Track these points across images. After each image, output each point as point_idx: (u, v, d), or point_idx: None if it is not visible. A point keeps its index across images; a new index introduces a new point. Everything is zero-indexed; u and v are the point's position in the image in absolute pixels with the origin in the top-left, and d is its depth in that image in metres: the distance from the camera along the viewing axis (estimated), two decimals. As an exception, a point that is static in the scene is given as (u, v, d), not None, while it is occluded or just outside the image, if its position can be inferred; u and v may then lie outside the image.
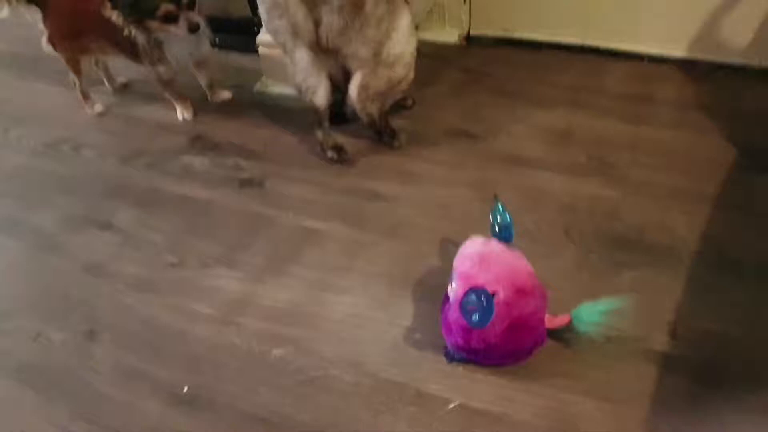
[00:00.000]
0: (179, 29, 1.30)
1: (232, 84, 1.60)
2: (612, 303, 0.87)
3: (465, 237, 0.94)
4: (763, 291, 0.96)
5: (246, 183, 1.32)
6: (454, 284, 0.88)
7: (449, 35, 1.66)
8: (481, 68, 1.55)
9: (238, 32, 1.62)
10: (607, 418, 0.84)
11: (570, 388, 0.88)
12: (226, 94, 1.58)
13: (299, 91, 1.25)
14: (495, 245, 0.90)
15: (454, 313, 0.87)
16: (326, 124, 1.29)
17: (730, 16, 1.36)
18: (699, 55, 1.44)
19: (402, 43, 1.19)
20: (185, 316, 1.06)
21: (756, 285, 0.97)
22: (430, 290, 1.03)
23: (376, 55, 1.17)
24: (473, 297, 0.82)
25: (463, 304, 0.83)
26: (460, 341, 0.88)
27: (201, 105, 1.55)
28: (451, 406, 0.88)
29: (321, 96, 1.23)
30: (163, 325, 1.05)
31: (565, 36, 1.55)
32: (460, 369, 0.92)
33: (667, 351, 0.90)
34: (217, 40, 1.57)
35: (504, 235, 0.92)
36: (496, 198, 0.95)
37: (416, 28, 1.64)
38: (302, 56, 1.18)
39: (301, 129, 1.42)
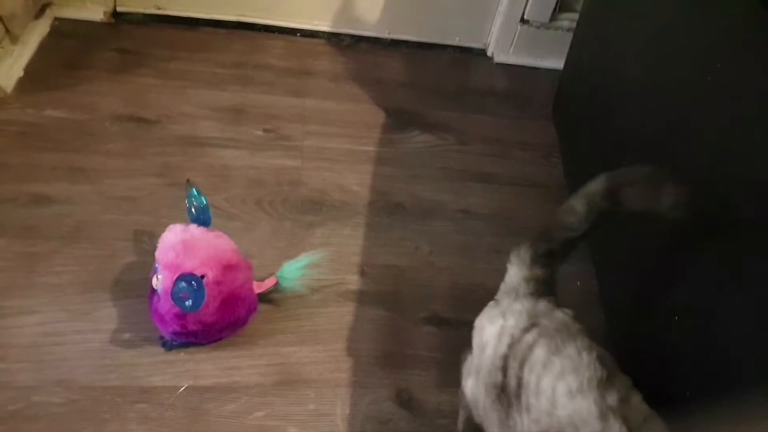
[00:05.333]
0: None
1: None
2: (309, 257, 1.06)
3: (158, 227, 1.00)
4: (420, 225, 1.28)
5: None
6: (159, 276, 0.94)
7: (92, 12, 1.61)
8: (138, 48, 1.56)
9: None
10: (322, 357, 1.03)
11: (286, 342, 1.04)
12: None
13: None
14: (195, 230, 0.98)
15: (165, 304, 0.94)
16: None
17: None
18: (342, 29, 1.73)
19: None
20: None
21: (415, 221, 1.29)
22: (130, 287, 1.06)
23: None
24: (183, 284, 0.90)
25: (174, 293, 0.91)
26: (177, 328, 0.96)
27: None
28: (180, 391, 0.95)
29: None
30: None
31: (220, 13, 1.67)
32: (181, 355, 0.99)
33: (358, 289, 1.14)
34: None
35: (202, 219, 1.01)
36: (188, 183, 1.03)
37: (49, 4, 1.56)
38: None
39: None
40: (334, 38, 1.72)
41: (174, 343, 0.99)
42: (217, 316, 0.96)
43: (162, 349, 0.99)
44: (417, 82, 1.65)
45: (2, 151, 1.24)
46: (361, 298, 1.13)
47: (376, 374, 1.03)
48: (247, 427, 0.94)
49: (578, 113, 1.39)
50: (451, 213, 1.33)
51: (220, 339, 1.01)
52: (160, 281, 0.94)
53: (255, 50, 1.63)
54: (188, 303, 0.90)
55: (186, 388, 0.96)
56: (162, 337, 0.99)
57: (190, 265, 0.93)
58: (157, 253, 0.96)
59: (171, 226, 0.98)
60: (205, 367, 0.99)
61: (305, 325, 1.07)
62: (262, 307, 1.05)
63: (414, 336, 1.10)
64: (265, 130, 1.42)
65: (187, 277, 0.90)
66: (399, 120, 1.51)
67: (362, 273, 1.17)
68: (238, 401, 0.96)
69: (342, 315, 1.10)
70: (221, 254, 0.97)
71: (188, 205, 1.01)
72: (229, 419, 0.94)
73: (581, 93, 1.38)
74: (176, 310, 0.92)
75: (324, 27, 1.72)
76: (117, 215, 1.17)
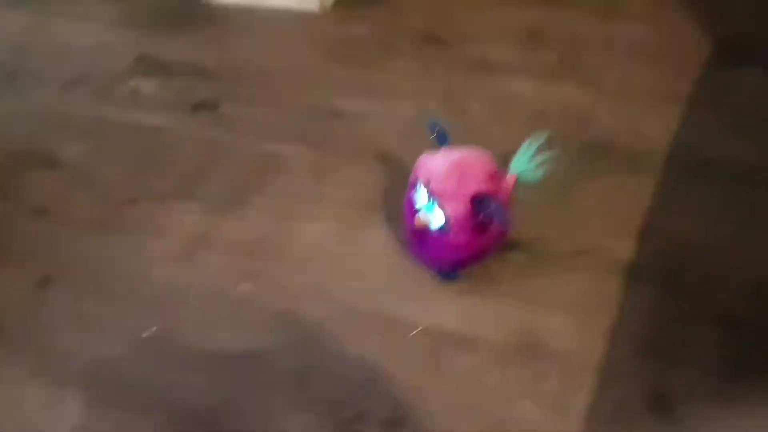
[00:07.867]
0: None
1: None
2: (531, 145, 0.89)
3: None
4: (733, 192, 1.01)
5: (199, 107, 1.30)
6: (446, 209, 0.86)
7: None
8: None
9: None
10: (573, 331, 0.91)
11: (537, 302, 0.94)
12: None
13: None
14: (454, 154, 0.88)
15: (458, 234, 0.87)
16: None
17: None
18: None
19: None
20: (144, 255, 1.08)
21: (727, 187, 1.02)
22: (400, 214, 1.05)
23: None
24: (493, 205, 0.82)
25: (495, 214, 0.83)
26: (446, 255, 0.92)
27: (139, 18, 1.49)
28: (419, 329, 0.93)
29: None
30: (122, 267, 1.07)
31: None
32: (427, 291, 0.97)
33: (633, 259, 0.96)
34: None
35: (448, 140, 0.92)
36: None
37: None
38: None
39: (257, 42, 1.38)
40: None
41: (449, 273, 0.96)
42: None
43: (409, 280, 0.97)
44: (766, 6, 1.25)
45: (313, 63, 1.33)
46: (635, 270, 0.95)
47: (633, 366, 0.87)
48: (477, 387, 0.88)
49: None
50: (782, 184, 1.01)
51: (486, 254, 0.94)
52: (446, 213, 0.86)
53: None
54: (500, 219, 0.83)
55: (424, 328, 0.93)
56: (438, 269, 0.97)
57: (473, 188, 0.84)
58: (433, 185, 0.87)
59: (428, 157, 0.90)
60: (449, 309, 0.95)
61: (561, 288, 0.95)
62: (517, 259, 0.96)
63: (691, 330, 0.89)
64: (561, 58, 1.24)
65: (486, 199, 0.83)
66: (731, 54, 1.18)
67: (642, 241, 0.97)
68: (475, 356, 0.90)
69: (607, 286, 0.94)
70: (489, 167, 0.87)
71: (432, 132, 0.92)
72: (460, 373, 0.89)
73: None
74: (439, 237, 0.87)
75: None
76: (397, 138, 1.17)
